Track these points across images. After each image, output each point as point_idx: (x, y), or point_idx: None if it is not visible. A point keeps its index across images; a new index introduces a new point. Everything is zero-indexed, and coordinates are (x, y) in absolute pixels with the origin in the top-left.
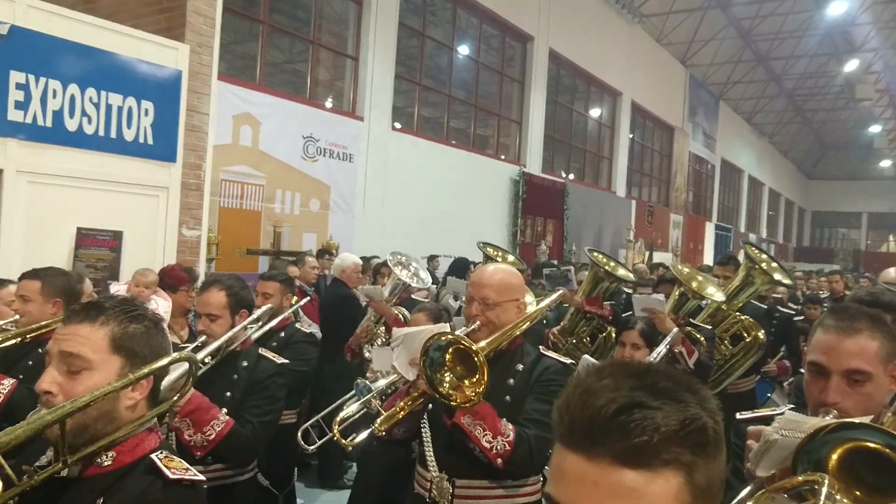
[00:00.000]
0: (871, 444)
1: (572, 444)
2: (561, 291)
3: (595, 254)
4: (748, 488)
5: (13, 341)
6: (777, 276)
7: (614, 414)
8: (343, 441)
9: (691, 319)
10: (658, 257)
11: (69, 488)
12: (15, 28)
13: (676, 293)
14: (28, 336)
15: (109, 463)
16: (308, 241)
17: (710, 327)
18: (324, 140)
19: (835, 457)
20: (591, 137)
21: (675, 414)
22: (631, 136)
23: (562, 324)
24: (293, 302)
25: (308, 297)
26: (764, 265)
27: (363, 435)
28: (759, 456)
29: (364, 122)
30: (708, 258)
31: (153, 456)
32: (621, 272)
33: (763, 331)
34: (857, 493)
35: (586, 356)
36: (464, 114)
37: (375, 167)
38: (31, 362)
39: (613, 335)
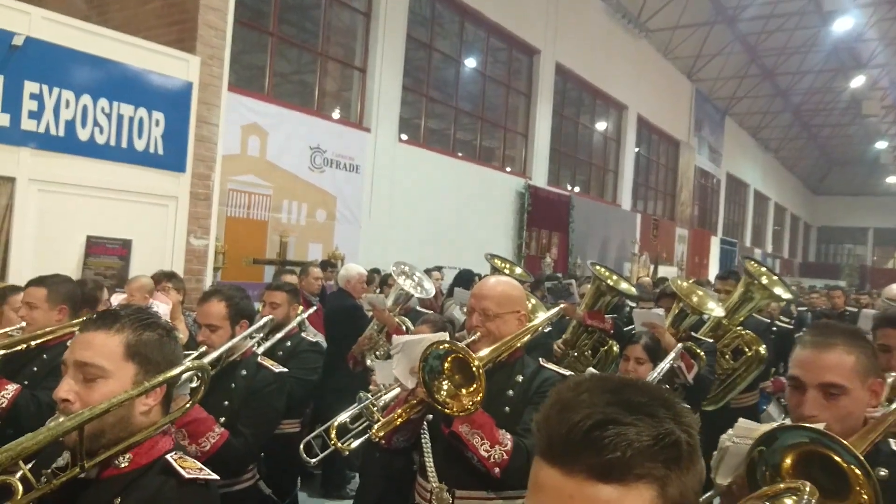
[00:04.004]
0: (821, 449)
1: (549, 458)
2: (561, 306)
3: (597, 267)
4: (707, 494)
5: (19, 347)
6: (777, 291)
7: (589, 430)
8: (339, 445)
9: (693, 333)
10: (663, 271)
11: (88, 488)
12: (30, 39)
13: (676, 308)
14: (33, 342)
15: (126, 464)
16: (314, 251)
17: (712, 340)
18: (331, 151)
19: (789, 461)
20: (597, 151)
21: (648, 429)
22: (637, 149)
23: (564, 336)
24: (299, 312)
25: (314, 307)
26: (764, 279)
27: (360, 440)
28: (717, 464)
29: (371, 134)
30: (713, 272)
31: (168, 456)
32: (623, 286)
33: (764, 345)
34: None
35: (591, 369)
36: (470, 126)
37: (382, 178)
38: (35, 368)
39: (615, 349)
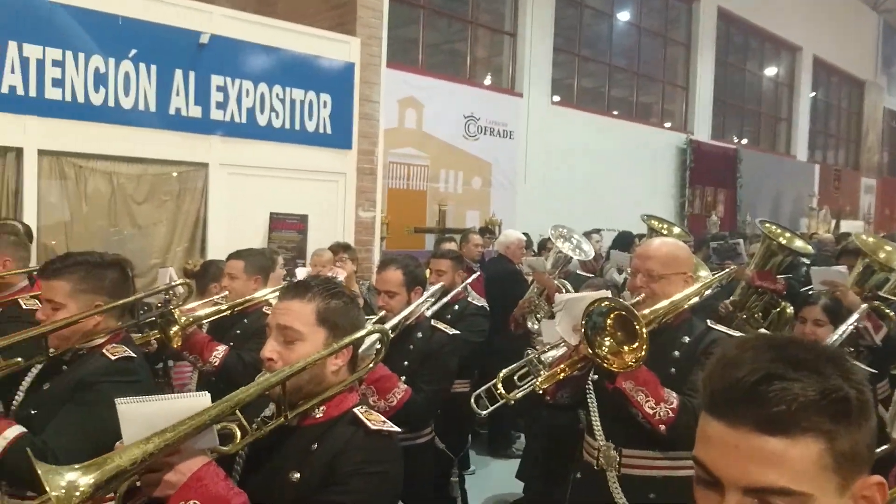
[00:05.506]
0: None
1: (715, 412)
2: (732, 268)
3: (768, 225)
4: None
5: (225, 313)
6: None
7: (754, 384)
8: (504, 393)
9: (879, 292)
10: (846, 226)
11: (291, 435)
12: (213, 36)
13: (860, 265)
14: (235, 309)
15: (321, 415)
16: (471, 218)
17: None
18: (484, 118)
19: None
20: (767, 99)
21: (814, 385)
22: (813, 94)
23: (732, 298)
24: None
25: (477, 273)
26: None
27: (525, 390)
28: (892, 418)
29: (523, 98)
30: None
31: (355, 410)
32: (797, 244)
33: None
34: None
35: (763, 331)
36: (625, 82)
37: (535, 143)
38: (238, 331)
39: (789, 310)
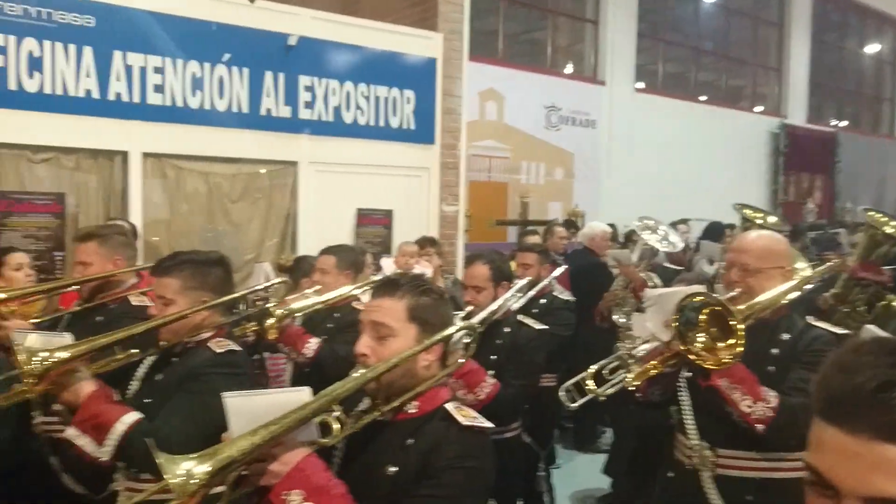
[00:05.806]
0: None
1: (831, 418)
2: (834, 261)
3: (872, 213)
4: None
5: (317, 307)
6: None
7: (874, 391)
8: (594, 388)
9: None
10: None
11: (385, 429)
12: (301, 38)
13: None
14: (327, 303)
15: (415, 410)
16: (553, 209)
17: None
18: (566, 108)
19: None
20: (868, 78)
21: None
22: None
23: (833, 290)
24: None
25: (563, 268)
26: None
27: (615, 386)
28: None
29: (606, 87)
30: None
31: (448, 406)
32: None
33: None
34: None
35: (870, 326)
36: (713, 66)
37: (619, 131)
38: (330, 325)
39: (895, 304)
